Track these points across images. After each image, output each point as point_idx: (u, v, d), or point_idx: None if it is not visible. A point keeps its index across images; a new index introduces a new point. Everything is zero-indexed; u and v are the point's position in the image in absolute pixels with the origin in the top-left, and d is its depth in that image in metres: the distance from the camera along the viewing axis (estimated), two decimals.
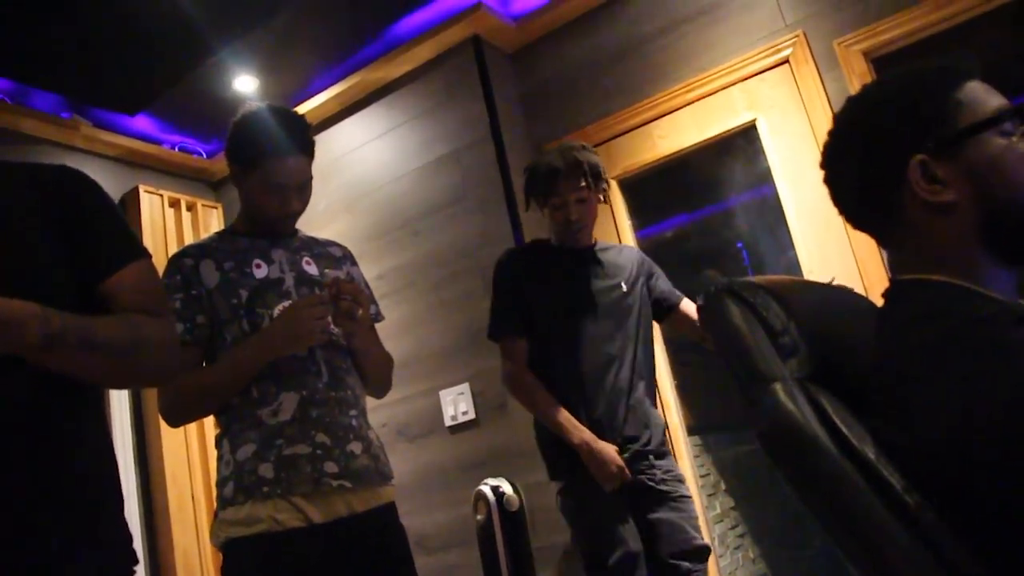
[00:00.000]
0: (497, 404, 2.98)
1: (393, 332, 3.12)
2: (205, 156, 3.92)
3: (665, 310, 2.37)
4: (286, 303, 1.77)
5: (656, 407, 2.26)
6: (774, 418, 0.95)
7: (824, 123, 2.68)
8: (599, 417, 2.14)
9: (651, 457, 2.16)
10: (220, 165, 3.88)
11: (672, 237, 3.64)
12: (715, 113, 2.95)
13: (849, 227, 1.12)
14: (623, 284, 2.27)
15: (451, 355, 3.11)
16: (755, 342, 1.02)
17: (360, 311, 1.75)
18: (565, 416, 2.12)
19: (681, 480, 2.19)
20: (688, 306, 2.37)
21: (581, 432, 2.10)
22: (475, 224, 3.13)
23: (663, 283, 2.38)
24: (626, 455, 2.12)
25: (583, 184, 2.20)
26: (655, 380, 2.29)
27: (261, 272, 1.80)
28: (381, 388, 2.03)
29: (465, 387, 3.05)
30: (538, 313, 2.23)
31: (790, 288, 1.11)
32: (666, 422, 2.87)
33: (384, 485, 1.82)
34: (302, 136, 1.81)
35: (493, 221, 3.08)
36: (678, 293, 2.39)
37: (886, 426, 0.92)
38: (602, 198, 2.29)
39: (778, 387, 0.97)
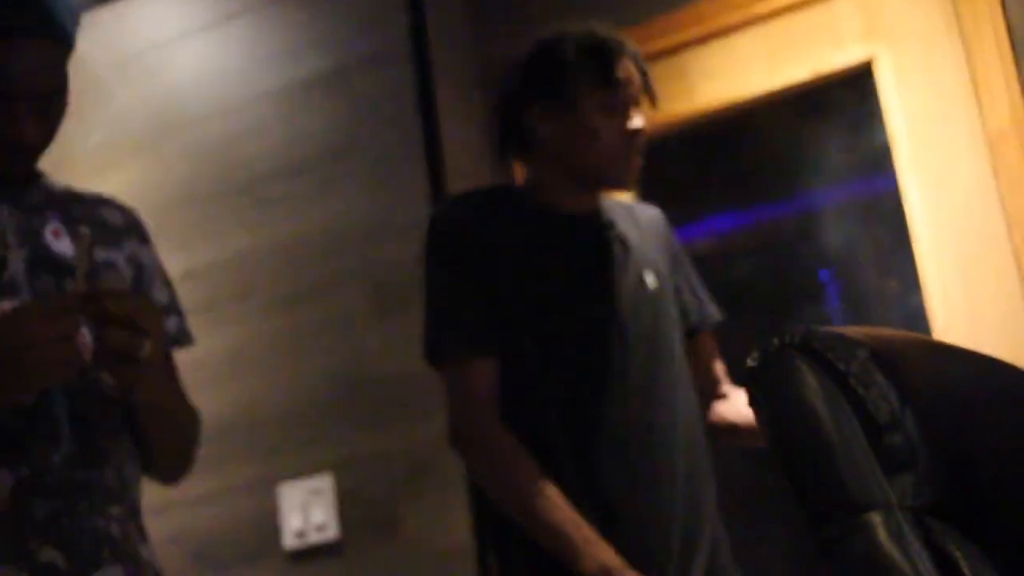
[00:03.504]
0: (381, 516, 2.97)
1: (208, 374, 3.07)
2: None
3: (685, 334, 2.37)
4: (8, 305, 1.75)
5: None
6: (866, 570, 0.96)
7: (999, 71, 2.74)
8: (642, 522, 2.12)
9: None
10: None
11: (709, 252, 3.65)
12: (802, 41, 2.97)
13: None
14: (652, 274, 2.29)
15: (305, 422, 3.09)
16: (842, 440, 1.02)
17: (147, 347, 1.72)
18: (571, 518, 2.05)
19: None
20: (712, 348, 2.42)
21: (598, 551, 2.02)
22: (369, 196, 3.13)
23: (693, 281, 2.43)
24: None
25: (643, 83, 2.26)
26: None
27: None
28: (177, 467, 2.02)
29: (326, 481, 3.04)
30: (528, 317, 2.20)
31: (910, 351, 1.11)
32: None
33: None
34: (48, 5, 1.77)
35: (401, 193, 3.08)
36: (711, 309, 2.43)
37: None
38: None
39: (877, 520, 0.98)
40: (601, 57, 2.20)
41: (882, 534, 0.97)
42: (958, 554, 0.97)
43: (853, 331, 1.09)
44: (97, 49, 1.87)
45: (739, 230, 3.60)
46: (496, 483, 2.16)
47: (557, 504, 2.06)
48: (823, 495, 1.01)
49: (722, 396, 2.38)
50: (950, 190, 2.76)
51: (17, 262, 1.80)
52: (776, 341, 1.08)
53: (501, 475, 2.14)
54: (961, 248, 2.74)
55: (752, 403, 1.09)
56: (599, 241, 2.28)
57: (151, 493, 2.00)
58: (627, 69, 2.21)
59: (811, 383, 1.05)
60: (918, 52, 2.85)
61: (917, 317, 2.80)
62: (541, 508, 2.06)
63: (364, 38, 3.20)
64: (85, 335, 1.73)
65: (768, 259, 3.52)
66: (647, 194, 3.17)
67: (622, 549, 2.04)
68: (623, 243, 2.29)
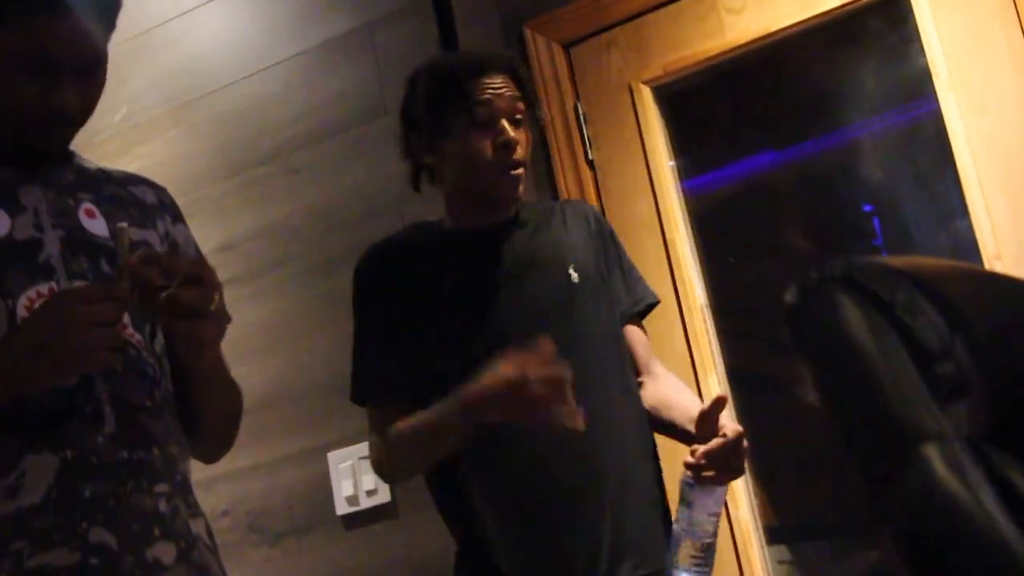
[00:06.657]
0: None
1: (247, 347, 3.10)
2: None
3: None
4: (44, 288, 1.76)
5: (664, 496, 2.30)
6: (924, 505, 0.95)
7: None
8: (552, 534, 2.15)
9: None
10: None
11: (746, 192, 3.64)
12: None
13: None
14: (571, 268, 2.33)
15: (349, 388, 3.10)
16: (891, 371, 1.01)
17: (216, 299, 1.74)
18: (422, 417, 2.17)
19: None
20: (636, 336, 2.43)
21: (452, 402, 2.11)
22: (399, 155, 3.10)
23: (625, 267, 2.47)
24: None
25: (518, 93, 2.30)
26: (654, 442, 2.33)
27: None
28: (221, 443, 2.04)
29: None
30: (430, 358, 2.26)
31: (956, 279, 1.11)
32: (731, 525, 2.85)
33: None
34: None
35: None
36: (641, 293, 2.46)
37: None
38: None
39: (933, 451, 0.97)
40: (456, 81, 2.28)
41: (939, 466, 0.97)
42: (1020, 481, 0.95)
43: (897, 261, 1.09)
44: (118, 22, 1.87)
45: (778, 167, 3.58)
46: (402, 465, 2.35)
47: (405, 422, 2.20)
48: (874, 430, 1.01)
49: (642, 382, 2.40)
50: (993, 112, 2.73)
51: (52, 244, 1.80)
52: (815, 275, 1.07)
53: (398, 456, 2.29)
54: (1007, 171, 2.71)
55: (793, 341, 1.08)
56: (499, 252, 2.34)
57: (200, 467, 2.02)
58: (490, 86, 2.27)
59: (854, 315, 1.04)
60: None
61: (966, 245, 2.77)
62: (402, 435, 2.21)
63: None
64: (128, 324, 1.75)
65: (807, 197, 3.50)
66: (681, 139, 3.16)
67: (545, 555, 2.16)
68: (541, 244, 2.36)
